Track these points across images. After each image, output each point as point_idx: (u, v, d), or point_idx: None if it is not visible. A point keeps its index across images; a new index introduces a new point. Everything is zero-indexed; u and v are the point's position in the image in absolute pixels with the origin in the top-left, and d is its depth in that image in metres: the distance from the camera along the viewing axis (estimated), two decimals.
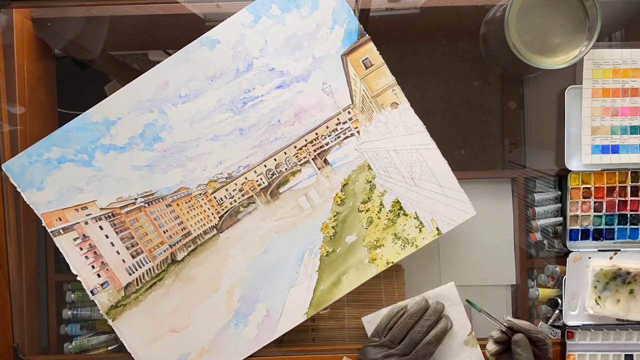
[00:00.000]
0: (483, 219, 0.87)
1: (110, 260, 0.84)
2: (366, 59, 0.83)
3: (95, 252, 0.84)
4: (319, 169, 0.86)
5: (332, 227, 0.86)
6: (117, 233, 0.84)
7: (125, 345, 0.85)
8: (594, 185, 0.87)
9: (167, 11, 0.85)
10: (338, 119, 0.84)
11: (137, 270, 0.85)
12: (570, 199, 0.88)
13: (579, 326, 0.88)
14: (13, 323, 0.88)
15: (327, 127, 0.85)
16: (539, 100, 0.91)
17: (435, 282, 0.91)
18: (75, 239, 0.84)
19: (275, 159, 0.85)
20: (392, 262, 0.85)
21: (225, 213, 0.86)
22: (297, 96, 0.84)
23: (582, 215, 0.88)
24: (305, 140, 0.85)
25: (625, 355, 0.87)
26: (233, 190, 0.85)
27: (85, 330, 0.94)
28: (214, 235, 0.86)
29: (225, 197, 0.85)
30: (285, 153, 0.85)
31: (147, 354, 0.85)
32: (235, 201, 0.86)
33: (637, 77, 0.85)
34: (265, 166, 0.85)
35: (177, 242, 0.86)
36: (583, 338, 0.88)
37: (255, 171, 0.85)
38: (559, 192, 0.90)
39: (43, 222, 0.83)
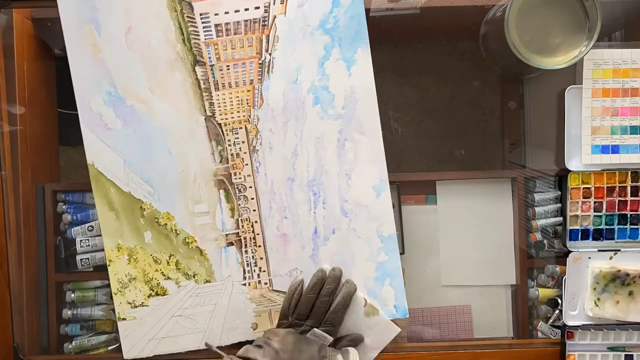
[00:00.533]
0: (483, 219, 0.88)
1: None
2: None
3: None
4: None
5: None
6: None
7: None
8: (594, 185, 0.87)
9: None
10: None
11: None
12: (570, 199, 0.88)
13: (579, 326, 0.87)
14: (13, 323, 0.88)
15: None
16: (539, 100, 0.92)
17: (435, 282, 0.92)
18: None
19: None
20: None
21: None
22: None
23: (582, 215, 0.88)
24: None
25: (625, 355, 0.87)
26: None
27: (85, 330, 0.93)
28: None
29: None
30: None
31: None
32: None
33: (637, 77, 0.85)
34: None
35: None
36: (583, 338, 0.87)
37: None
38: (559, 192, 0.90)
39: None
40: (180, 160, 0.83)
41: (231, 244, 0.85)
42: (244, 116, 0.82)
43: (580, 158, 0.86)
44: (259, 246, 0.84)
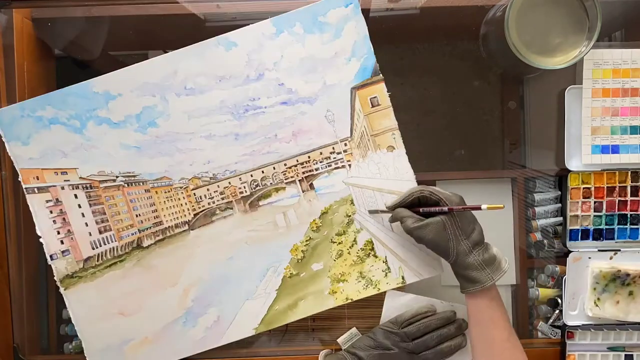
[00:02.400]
0: (483, 219, 0.86)
1: (76, 230, 0.84)
2: (374, 97, 0.84)
3: (64, 219, 0.84)
4: (303, 192, 0.86)
5: (302, 251, 0.86)
6: (90, 205, 0.84)
7: (70, 316, 0.84)
8: (594, 185, 0.88)
9: (167, 11, 0.86)
10: (333, 147, 0.85)
11: (101, 246, 0.85)
12: (570, 199, 0.88)
13: (579, 326, 0.88)
14: (13, 323, 0.89)
15: (321, 154, 0.85)
16: (539, 100, 0.91)
17: (435, 282, 0.91)
18: (47, 201, 0.83)
19: (262, 171, 0.85)
20: (351, 300, 0.85)
21: (200, 212, 0.85)
22: (300, 116, 0.84)
23: (582, 215, 0.88)
24: (297, 161, 0.85)
25: (625, 355, 0.88)
26: (214, 192, 0.85)
27: None
28: (184, 231, 0.85)
29: (205, 197, 0.85)
30: (274, 168, 0.85)
31: (91, 330, 0.85)
32: (213, 202, 0.85)
33: (637, 77, 0.85)
34: (251, 176, 0.85)
35: (147, 229, 0.85)
36: (583, 338, 0.88)
37: (240, 178, 0.85)
38: (559, 192, 0.91)
39: (20, 176, 0.82)
40: None
41: None
42: None
43: (580, 158, 0.87)
44: None
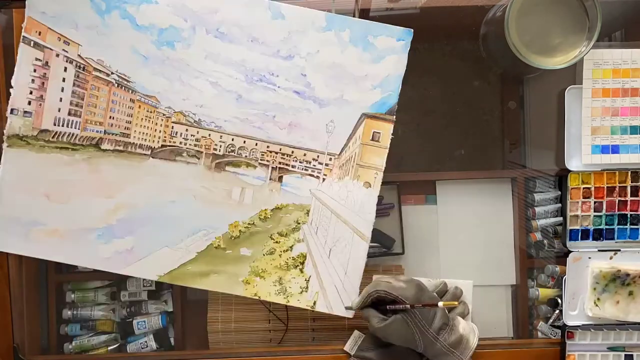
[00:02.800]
0: (483, 219, 0.87)
1: (49, 99, 0.82)
2: (378, 132, 0.84)
3: (43, 83, 0.82)
4: (270, 180, 0.85)
5: (240, 231, 0.85)
6: (73, 84, 0.82)
7: None
8: (594, 185, 0.87)
9: None
10: (318, 156, 0.85)
11: (63, 126, 0.83)
12: (570, 199, 0.88)
13: (579, 326, 0.87)
14: (13, 323, 0.88)
15: (305, 155, 0.85)
16: (539, 100, 0.91)
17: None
18: (37, 59, 0.81)
19: (244, 142, 0.85)
20: (258, 297, 0.85)
21: (169, 146, 0.85)
22: (304, 112, 0.84)
23: (582, 215, 0.88)
24: (279, 149, 0.85)
25: (625, 355, 0.87)
26: (191, 135, 0.84)
27: (85, 330, 0.95)
28: (144, 155, 0.84)
29: (180, 135, 0.84)
30: (256, 144, 0.85)
31: (10, 196, 0.83)
32: (185, 144, 0.85)
33: (637, 77, 0.85)
34: (232, 139, 0.84)
35: (113, 134, 0.84)
36: (583, 338, 0.88)
37: (221, 136, 0.84)
38: (559, 192, 0.90)
39: (25, 23, 0.80)
40: None
41: None
42: None
43: (580, 158, 0.86)
44: None
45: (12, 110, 0.82)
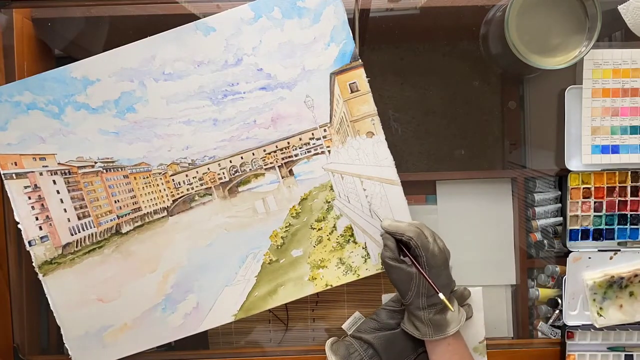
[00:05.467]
0: (483, 219, 0.87)
1: (55, 216, 0.84)
2: (353, 83, 0.84)
3: (42, 205, 0.83)
4: (282, 178, 0.86)
5: (282, 237, 0.86)
6: (68, 191, 0.84)
7: (50, 303, 0.84)
8: (594, 185, 0.88)
9: (167, 11, 0.85)
10: (313, 134, 0.84)
11: (79, 232, 0.84)
12: (570, 199, 0.88)
13: (579, 326, 0.88)
14: (13, 323, 0.89)
15: (300, 139, 0.85)
16: (539, 100, 0.91)
17: None
18: (25, 187, 0.83)
19: (242, 157, 0.85)
20: (331, 286, 0.85)
21: (179, 198, 0.85)
22: (279, 102, 0.84)
23: (582, 215, 0.88)
24: (276, 147, 0.85)
25: (625, 355, 0.88)
26: (193, 178, 0.85)
27: None
28: (163, 217, 0.85)
29: (184, 183, 0.85)
30: (253, 154, 0.85)
31: (69, 316, 0.85)
32: (192, 188, 0.85)
33: (637, 77, 0.85)
34: (230, 162, 0.85)
35: (126, 215, 0.85)
36: (583, 338, 0.88)
37: (219, 164, 0.85)
38: (559, 192, 0.91)
39: None
40: None
41: None
42: None
43: (580, 158, 0.86)
44: None
45: (29, 243, 0.84)
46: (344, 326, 0.87)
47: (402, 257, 0.78)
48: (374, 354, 0.79)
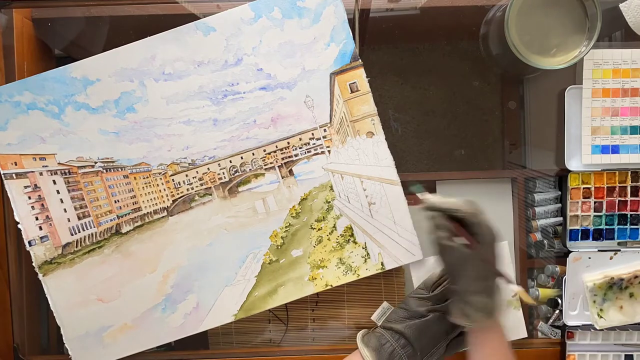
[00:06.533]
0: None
1: (55, 216, 0.84)
2: (354, 83, 0.84)
3: (42, 205, 0.83)
4: (282, 178, 0.86)
5: (282, 237, 0.86)
6: (68, 191, 0.84)
7: (50, 303, 0.84)
8: (594, 185, 0.88)
9: (167, 11, 0.86)
10: (313, 134, 0.84)
11: (80, 232, 0.84)
12: (570, 199, 0.88)
13: (579, 326, 0.88)
14: (13, 323, 0.89)
15: (300, 139, 0.85)
16: (539, 100, 0.91)
17: None
18: (25, 187, 0.83)
19: (242, 157, 0.85)
20: (331, 286, 0.85)
21: (179, 198, 0.85)
22: (279, 102, 0.84)
23: (582, 215, 0.88)
24: (276, 147, 0.85)
25: (625, 355, 0.88)
26: (193, 178, 0.85)
27: None
28: (163, 217, 0.85)
29: (184, 183, 0.85)
30: (253, 154, 0.85)
31: (69, 316, 0.85)
32: (192, 188, 0.85)
33: (637, 77, 0.85)
34: (230, 162, 0.85)
35: (126, 215, 0.85)
36: (583, 338, 0.88)
37: (219, 164, 0.85)
38: (559, 192, 0.91)
39: None
40: None
41: None
42: None
43: (580, 158, 0.86)
44: None
45: (29, 242, 0.84)
46: (373, 317, 0.87)
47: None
48: (406, 344, 0.77)
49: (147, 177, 0.84)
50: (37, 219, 0.84)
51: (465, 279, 0.71)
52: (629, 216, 0.88)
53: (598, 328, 0.87)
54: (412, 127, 0.91)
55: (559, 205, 0.90)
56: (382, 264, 0.85)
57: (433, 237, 0.72)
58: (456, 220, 0.71)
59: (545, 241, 0.91)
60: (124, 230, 0.85)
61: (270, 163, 0.85)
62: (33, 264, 0.84)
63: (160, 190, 0.85)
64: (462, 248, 0.70)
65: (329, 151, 0.85)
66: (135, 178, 0.84)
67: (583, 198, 0.88)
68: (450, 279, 0.74)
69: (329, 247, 0.86)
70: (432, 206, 0.73)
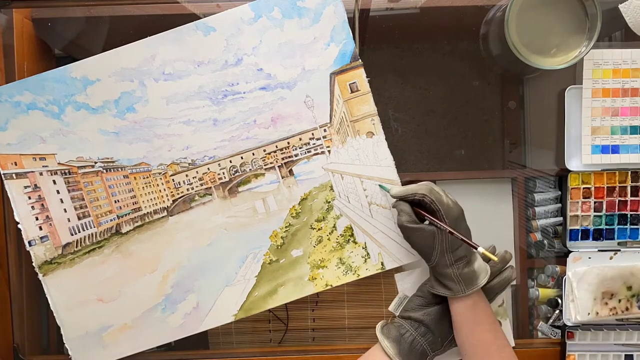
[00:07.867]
0: (483, 219, 0.87)
1: (55, 216, 0.84)
2: (354, 83, 0.84)
3: (42, 205, 0.83)
4: (282, 178, 0.86)
5: (282, 237, 0.86)
6: (68, 191, 0.84)
7: (50, 303, 0.84)
8: (594, 185, 0.88)
9: (167, 11, 0.85)
10: (313, 134, 0.84)
11: (79, 232, 0.84)
12: (570, 199, 0.88)
13: (578, 326, 0.88)
14: (13, 323, 0.89)
15: (300, 139, 0.85)
16: (539, 100, 0.91)
17: None
18: (25, 187, 0.83)
19: (242, 157, 0.85)
20: (331, 286, 0.85)
21: (179, 198, 0.85)
22: (279, 102, 0.84)
23: (582, 215, 0.88)
24: (276, 147, 0.85)
25: (625, 355, 0.88)
26: (193, 178, 0.85)
27: None
28: (163, 217, 0.85)
29: (184, 183, 0.85)
30: (253, 154, 0.85)
31: (69, 316, 0.85)
32: (192, 188, 0.85)
33: (637, 77, 0.85)
34: (230, 162, 0.85)
35: (126, 215, 0.85)
36: (583, 338, 0.88)
37: (219, 164, 0.85)
38: (559, 192, 0.91)
39: None
40: None
41: None
42: None
43: (580, 158, 0.86)
44: None
45: (29, 242, 0.84)
46: (390, 308, 0.86)
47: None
48: (427, 331, 0.77)
49: (147, 177, 0.84)
50: (37, 219, 0.84)
51: (435, 254, 0.74)
52: (629, 216, 0.88)
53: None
54: (412, 127, 0.91)
55: (559, 205, 0.90)
56: (382, 264, 0.85)
57: (398, 223, 0.76)
58: (417, 204, 0.75)
59: (545, 241, 0.91)
60: (124, 230, 0.85)
61: (270, 163, 0.85)
62: (33, 264, 0.84)
63: (160, 190, 0.85)
64: (426, 227, 0.74)
65: (329, 151, 0.85)
66: (135, 178, 0.84)
67: (583, 198, 0.88)
68: (424, 258, 0.76)
69: (329, 247, 0.86)
70: (395, 196, 0.77)
